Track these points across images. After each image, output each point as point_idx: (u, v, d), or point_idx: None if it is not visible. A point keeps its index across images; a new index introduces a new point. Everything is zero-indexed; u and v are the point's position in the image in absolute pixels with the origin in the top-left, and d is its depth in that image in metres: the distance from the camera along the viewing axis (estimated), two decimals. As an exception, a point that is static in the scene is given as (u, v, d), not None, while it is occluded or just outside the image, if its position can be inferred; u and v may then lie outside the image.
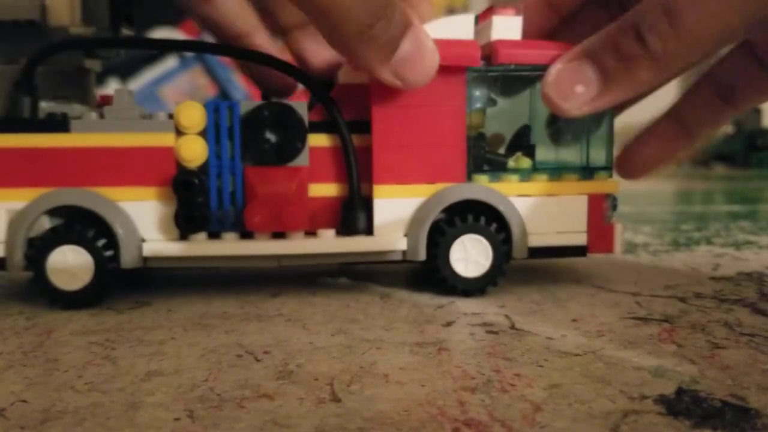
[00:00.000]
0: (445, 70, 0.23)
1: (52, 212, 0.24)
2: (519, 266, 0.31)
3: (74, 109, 0.25)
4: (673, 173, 1.29)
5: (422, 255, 0.25)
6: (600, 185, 0.26)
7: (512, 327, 0.21)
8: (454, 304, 0.24)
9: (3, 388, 0.16)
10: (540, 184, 0.25)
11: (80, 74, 0.27)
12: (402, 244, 0.25)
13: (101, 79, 0.77)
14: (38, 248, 0.24)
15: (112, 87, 0.80)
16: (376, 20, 0.19)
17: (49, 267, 0.24)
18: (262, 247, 0.25)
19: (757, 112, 1.51)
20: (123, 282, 0.28)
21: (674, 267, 0.31)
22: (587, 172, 0.26)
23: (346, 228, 0.25)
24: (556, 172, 0.26)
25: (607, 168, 0.26)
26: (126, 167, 0.24)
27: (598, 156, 0.26)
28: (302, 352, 0.19)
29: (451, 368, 0.17)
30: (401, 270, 0.31)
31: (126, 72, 0.95)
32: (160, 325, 0.22)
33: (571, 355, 0.18)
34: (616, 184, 0.26)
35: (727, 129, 1.55)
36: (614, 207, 0.26)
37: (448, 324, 0.22)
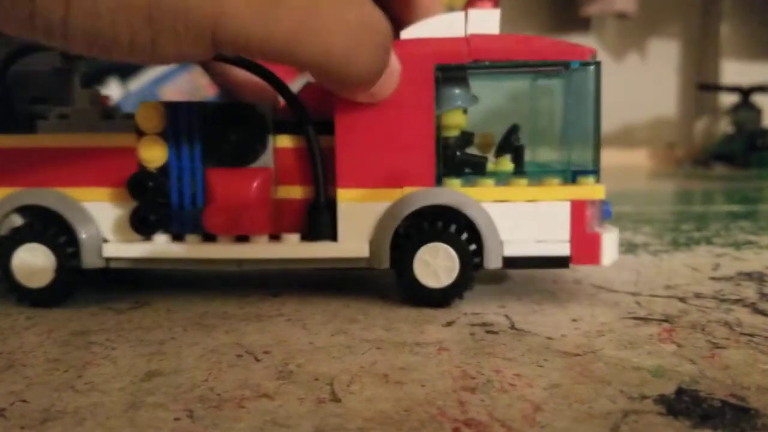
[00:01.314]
0: (410, 68, 0.22)
1: (22, 211, 0.25)
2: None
3: (45, 110, 0.25)
4: (673, 173, 1.29)
5: (385, 263, 0.24)
6: (584, 191, 0.23)
7: (512, 327, 0.21)
8: (454, 304, 0.24)
9: (3, 388, 0.16)
10: (518, 188, 0.24)
11: (57, 75, 0.27)
12: (365, 251, 0.24)
13: (101, 79, 0.77)
14: (3, 246, 0.24)
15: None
16: (377, 78, 0.21)
17: (14, 265, 0.24)
18: (223, 250, 0.24)
19: (758, 112, 1.51)
20: (123, 282, 0.28)
21: (674, 267, 0.31)
22: (570, 176, 0.24)
23: (310, 233, 0.24)
24: (536, 176, 0.24)
25: (593, 172, 0.24)
26: (90, 168, 0.24)
27: (582, 159, 0.24)
28: (302, 352, 0.19)
29: (451, 368, 0.17)
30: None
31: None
32: (160, 325, 0.22)
33: (571, 355, 0.18)
34: (602, 189, 0.24)
35: (727, 129, 1.55)
36: (607, 214, 0.25)
37: (448, 324, 0.22)
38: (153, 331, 0.21)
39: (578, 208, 0.23)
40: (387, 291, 0.26)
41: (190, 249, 0.24)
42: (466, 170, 0.24)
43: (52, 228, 0.24)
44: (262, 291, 0.27)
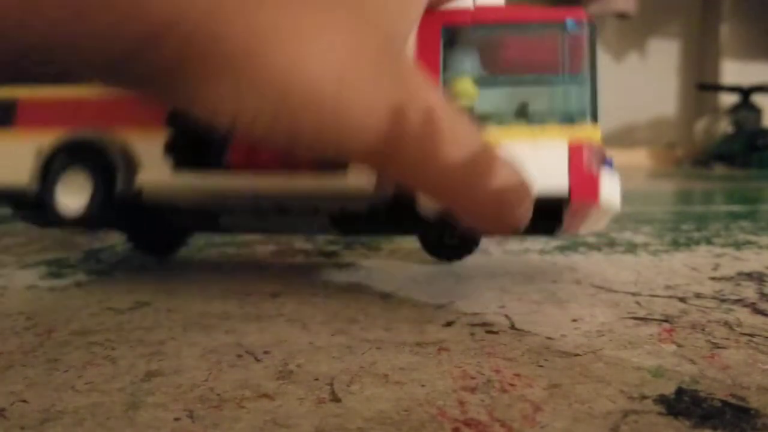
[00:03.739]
0: (419, 32, 0.23)
1: (65, 148, 0.26)
2: (519, 266, 0.31)
3: None
4: (673, 173, 1.29)
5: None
6: (581, 132, 0.24)
7: (512, 327, 0.21)
8: (454, 304, 0.24)
9: (3, 388, 0.16)
10: (518, 131, 0.24)
11: None
12: None
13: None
14: (49, 173, 0.26)
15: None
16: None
17: (57, 191, 0.26)
18: (243, 183, 0.25)
19: (758, 112, 1.51)
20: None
21: (674, 267, 0.31)
22: (568, 118, 0.24)
23: None
24: (535, 118, 0.24)
25: (591, 116, 0.24)
26: (129, 107, 0.26)
27: (580, 103, 0.24)
28: (302, 352, 0.19)
29: (451, 368, 0.17)
30: (401, 270, 0.31)
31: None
32: (160, 325, 0.22)
33: (571, 355, 0.18)
34: (598, 131, 0.24)
35: (727, 129, 1.55)
36: (609, 165, 0.25)
37: (448, 324, 0.22)
38: (153, 331, 0.21)
39: (576, 149, 0.23)
40: (387, 291, 0.26)
41: (214, 181, 0.25)
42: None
43: (90, 155, 0.26)
44: (262, 291, 0.27)
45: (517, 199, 0.18)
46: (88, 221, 0.26)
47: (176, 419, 0.14)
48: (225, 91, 0.14)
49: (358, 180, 0.24)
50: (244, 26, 0.14)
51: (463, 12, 0.24)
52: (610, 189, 0.24)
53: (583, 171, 0.23)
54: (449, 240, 0.27)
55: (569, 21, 0.24)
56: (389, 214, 0.26)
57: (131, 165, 0.26)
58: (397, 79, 0.16)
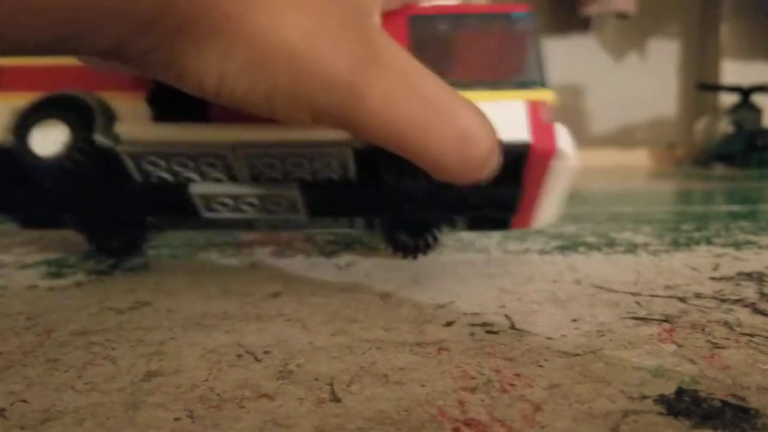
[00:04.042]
0: (388, 22, 0.24)
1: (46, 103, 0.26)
2: (519, 266, 0.31)
3: None
4: (673, 173, 1.29)
5: None
6: (536, 94, 0.26)
7: (512, 327, 0.21)
8: (454, 304, 0.24)
9: (3, 388, 0.16)
10: (481, 93, 0.26)
11: None
12: None
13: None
14: (25, 124, 0.25)
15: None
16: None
17: (33, 138, 0.25)
18: (221, 133, 0.25)
19: (758, 112, 1.51)
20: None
21: (674, 267, 0.31)
22: (524, 84, 0.26)
23: None
24: (497, 84, 0.26)
25: (542, 84, 0.26)
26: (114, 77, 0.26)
27: (532, 72, 0.27)
28: (302, 352, 0.19)
29: (451, 368, 0.17)
30: (401, 270, 0.31)
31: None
32: (160, 325, 0.22)
33: (571, 355, 0.18)
34: (551, 93, 0.26)
35: (727, 129, 1.55)
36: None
37: (448, 324, 0.22)
38: (153, 331, 0.21)
39: (533, 106, 0.26)
40: (387, 291, 0.26)
41: (193, 132, 0.25)
42: None
43: (67, 107, 0.25)
44: (262, 291, 0.27)
45: (480, 139, 0.19)
46: (65, 167, 0.26)
47: (176, 419, 0.14)
48: (212, 55, 0.16)
49: (337, 131, 0.25)
50: None
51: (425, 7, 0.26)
52: (565, 139, 0.25)
53: (541, 122, 0.25)
54: (410, 231, 0.27)
55: (515, 13, 0.27)
56: (357, 190, 0.26)
57: (109, 115, 0.26)
58: (365, 39, 0.17)
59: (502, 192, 0.26)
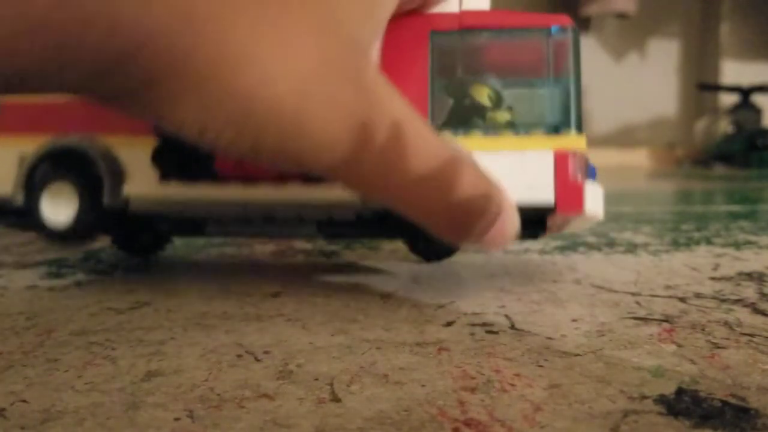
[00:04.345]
0: (408, 36, 0.23)
1: (51, 155, 0.26)
2: (519, 266, 0.31)
3: None
4: (673, 173, 1.29)
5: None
6: (566, 141, 0.24)
7: (512, 327, 0.21)
8: (454, 304, 0.24)
9: (3, 388, 0.16)
10: (505, 139, 0.24)
11: None
12: None
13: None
14: (32, 187, 0.26)
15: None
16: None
17: (43, 203, 0.26)
18: (231, 192, 0.25)
19: (758, 112, 1.51)
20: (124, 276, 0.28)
21: (674, 267, 0.31)
22: (553, 128, 0.24)
23: None
24: (522, 128, 0.25)
25: (576, 127, 0.24)
26: (119, 117, 0.25)
27: (564, 113, 0.25)
28: (302, 352, 0.19)
29: (451, 368, 0.17)
30: (401, 270, 0.31)
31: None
32: (160, 325, 0.22)
33: (571, 355, 0.18)
34: (583, 140, 0.24)
35: (727, 129, 1.55)
36: (593, 173, 0.26)
37: (448, 324, 0.22)
38: (153, 331, 0.21)
39: (561, 158, 0.24)
40: (387, 291, 0.26)
41: (202, 191, 0.25)
42: (469, 114, 0.25)
43: (75, 166, 0.26)
44: (262, 291, 0.27)
45: (479, 210, 0.19)
46: (75, 234, 0.26)
47: (176, 419, 0.14)
48: (192, 106, 0.15)
49: (346, 190, 0.24)
50: (214, 46, 0.14)
51: (451, 17, 0.24)
52: (594, 199, 0.24)
53: (568, 181, 0.24)
54: (436, 242, 0.27)
55: (554, 27, 0.25)
56: (376, 220, 0.26)
57: (117, 172, 0.26)
58: (360, 91, 0.16)
59: (525, 230, 0.24)
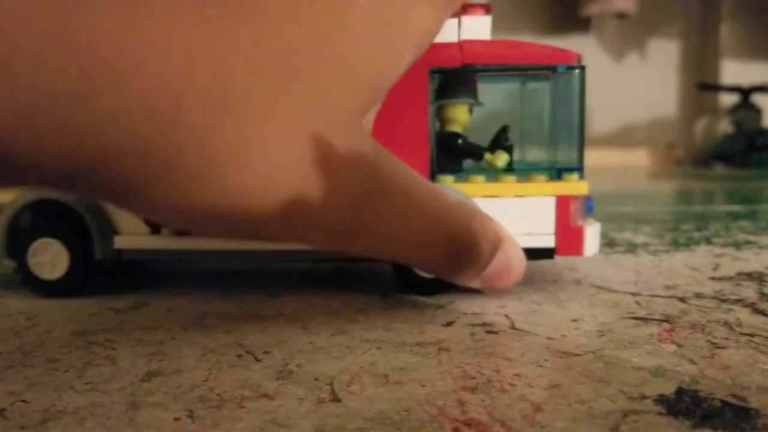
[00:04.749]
0: (406, 72, 0.23)
1: (37, 207, 0.26)
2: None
3: None
4: (673, 173, 1.29)
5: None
6: (569, 186, 0.25)
7: (512, 327, 0.21)
8: (454, 304, 0.24)
9: (3, 388, 0.16)
10: (507, 185, 0.25)
11: None
12: None
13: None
14: (19, 240, 0.25)
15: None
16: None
17: (30, 258, 0.25)
18: (223, 243, 0.25)
19: (758, 112, 1.51)
20: (126, 279, 0.28)
21: (674, 267, 0.31)
22: (556, 172, 0.25)
23: None
24: (524, 172, 0.25)
25: (578, 169, 0.25)
26: None
27: (567, 157, 0.25)
28: (302, 352, 0.19)
29: (451, 368, 0.17)
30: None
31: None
32: (160, 325, 0.22)
33: (571, 355, 0.18)
34: (585, 185, 0.25)
35: (727, 129, 1.55)
36: (590, 209, 0.26)
37: (448, 324, 0.22)
38: (153, 331, 0.21)
39: (563, 203, 0.24)
40: (387, 291, 0.26)
41: (193, 242, 0.25)
42: (466, 157, 0.25)
43: (65, 222, 0.25)
44: (262, 291, 0.27)
45: (474, 263, 0.19)
46: (66, 288, 0.26)
47: (176, 419, 0.14)
48: (176, 206, 0.15)
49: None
50: (198, 153, 0.14)
51: (451, 51, 0.24)
52: (593, 238, 0.25)
53: (569, 225, 0.25)
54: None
55: (561, 66, 0.24)
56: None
57: (106, 225, 0.25)
58: (361, 167, 0.16)
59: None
